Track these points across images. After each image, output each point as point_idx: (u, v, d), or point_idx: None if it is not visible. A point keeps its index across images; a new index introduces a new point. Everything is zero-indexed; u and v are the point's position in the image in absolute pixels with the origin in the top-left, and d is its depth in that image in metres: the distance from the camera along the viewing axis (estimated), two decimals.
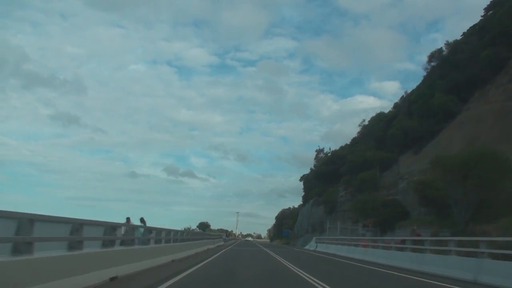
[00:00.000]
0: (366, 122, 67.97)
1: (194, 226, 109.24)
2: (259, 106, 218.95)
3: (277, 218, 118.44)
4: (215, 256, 20.69)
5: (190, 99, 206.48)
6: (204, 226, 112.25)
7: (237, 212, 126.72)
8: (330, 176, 57.41)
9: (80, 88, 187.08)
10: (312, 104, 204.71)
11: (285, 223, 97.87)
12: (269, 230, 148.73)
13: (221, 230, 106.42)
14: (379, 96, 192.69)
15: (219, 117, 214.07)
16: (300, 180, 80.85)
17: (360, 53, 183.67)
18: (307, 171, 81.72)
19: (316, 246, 39.61)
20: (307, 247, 45.08)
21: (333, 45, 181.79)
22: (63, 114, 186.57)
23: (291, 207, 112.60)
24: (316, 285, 9.47)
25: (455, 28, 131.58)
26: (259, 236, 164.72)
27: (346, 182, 50.78)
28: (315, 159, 77.96)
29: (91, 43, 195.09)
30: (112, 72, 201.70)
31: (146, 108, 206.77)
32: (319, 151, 76.69)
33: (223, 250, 27.87)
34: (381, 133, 54.62)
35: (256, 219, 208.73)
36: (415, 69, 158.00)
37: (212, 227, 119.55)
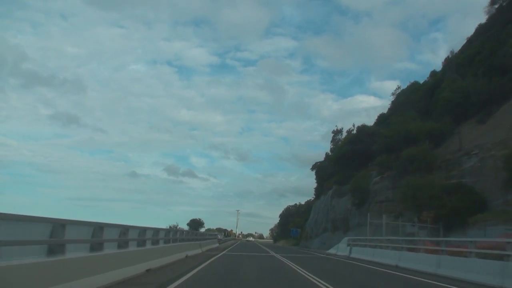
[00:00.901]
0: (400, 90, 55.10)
1: (184, 224, 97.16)
2: (260, 105, 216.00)
3: (281, 216, 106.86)
4: (181, 280, 9.18)
5: (190, 99, 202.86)
6: (196, 223, 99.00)
7: (237, 210, 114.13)
8: (356, 159, 44.80)
9: (80, 88, 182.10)
10: (312, 104, 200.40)
11: (292, 221, 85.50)
12: (271, 230, 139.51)
13: (218, 230, 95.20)
14: (380, 96, 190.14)
15: (220, 117, 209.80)
16: (312, 169, 68.10)
17: (360, 52, 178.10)
18: (307, 171, 70.20)
19: (350, 251, 27.40)
20: (332, 251, 32.69)
21: (333, 44, 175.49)
22: (63, 114, 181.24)
23: (297, 203, 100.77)
24: None
25: (457, 28, 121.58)
26: (260, 236, 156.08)
27: (381, 164, 38.16)
28: (331, 141, 65.39)
29: (91, 43, 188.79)
30: (112, 72, 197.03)
31: (146, 108, 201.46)
32: (337, 132, 63.91)
33: (210, 260, 16.64)
34: (423, 102, 41.99)
35: (257, 219, 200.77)
36: (416, 68, 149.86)
37: (211, 226, 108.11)
